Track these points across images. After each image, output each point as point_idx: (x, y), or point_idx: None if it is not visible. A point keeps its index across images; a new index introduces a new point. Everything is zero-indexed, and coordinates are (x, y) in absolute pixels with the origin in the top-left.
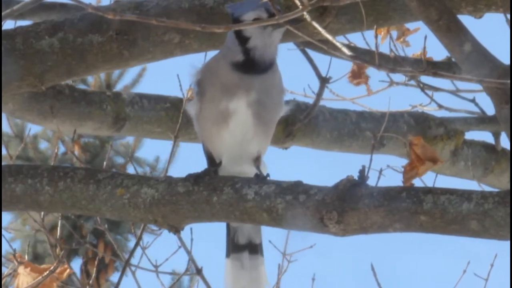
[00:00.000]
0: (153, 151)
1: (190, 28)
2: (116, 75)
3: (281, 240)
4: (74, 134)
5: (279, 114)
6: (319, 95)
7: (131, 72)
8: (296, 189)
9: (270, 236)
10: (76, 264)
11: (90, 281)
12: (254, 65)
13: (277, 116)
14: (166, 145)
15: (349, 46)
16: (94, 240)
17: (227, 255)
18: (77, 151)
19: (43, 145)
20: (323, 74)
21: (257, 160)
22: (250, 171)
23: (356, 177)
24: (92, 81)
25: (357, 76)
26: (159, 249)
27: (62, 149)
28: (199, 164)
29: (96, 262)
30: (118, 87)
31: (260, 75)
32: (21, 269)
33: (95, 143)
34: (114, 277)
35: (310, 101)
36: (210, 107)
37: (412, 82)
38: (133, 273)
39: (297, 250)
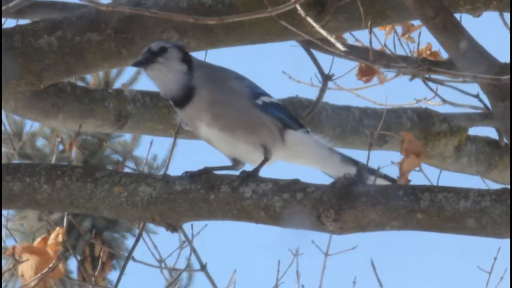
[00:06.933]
0: (151, 149)
1: (182, 20)
2: (114, 73)
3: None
4: (79, 129)
5: (243, 108)
6: (322, 92)
7: (130, 70)
8: (293, 187)
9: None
10: (72, 263)
11: (94, 275)
12: (173, 99)
13: (242, 112)
14: (164, 143)
15: (345, 43)
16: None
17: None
18: (75, 149)
19: (40, 142)
20: (326, 72)
21: (266, 151)
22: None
23: (353, 175)
24: (92, 79)
25: (366, 73)
26: (158, 245)
27: (60, 146)
28: (198, 163)
29: (102, 257)
30: (116, 85)
31: (190, 104)
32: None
33: (93, 141)
34: (111, 275)
35: (316, 91)
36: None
37: None
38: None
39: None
